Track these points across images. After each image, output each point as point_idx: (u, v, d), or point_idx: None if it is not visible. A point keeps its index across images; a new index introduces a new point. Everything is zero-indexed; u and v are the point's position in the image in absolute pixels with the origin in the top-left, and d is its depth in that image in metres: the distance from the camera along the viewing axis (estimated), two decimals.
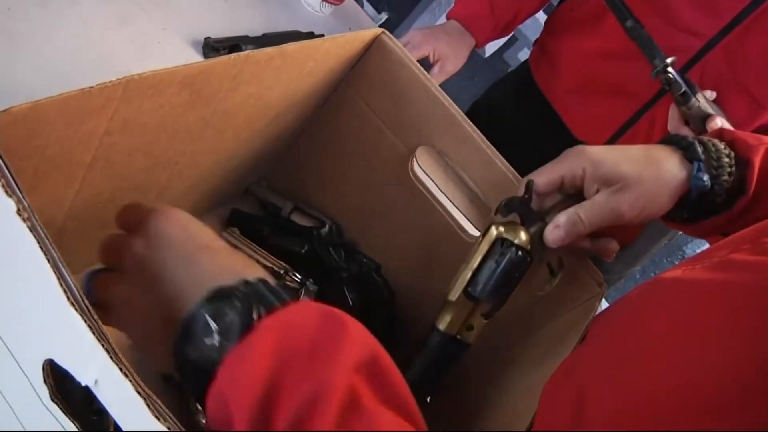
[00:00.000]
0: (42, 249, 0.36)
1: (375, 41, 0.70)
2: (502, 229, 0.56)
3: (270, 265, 0.76)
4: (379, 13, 2.54)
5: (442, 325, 0.58)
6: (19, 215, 0.36)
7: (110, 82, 0.45)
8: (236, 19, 1.05)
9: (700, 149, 0.58)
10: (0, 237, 0.38)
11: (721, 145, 0.58)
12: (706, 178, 0.57)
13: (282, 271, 0.76)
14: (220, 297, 0.38)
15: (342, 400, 0.34)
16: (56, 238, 0.58)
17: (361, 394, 0.35)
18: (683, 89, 0.83)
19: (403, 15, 2.46)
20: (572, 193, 0.59)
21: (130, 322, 0.43)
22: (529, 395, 0.56)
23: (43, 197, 0.51)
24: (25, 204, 0.36)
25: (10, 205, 0.36)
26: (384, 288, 0.81)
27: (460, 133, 0.69)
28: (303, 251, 0.80)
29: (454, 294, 0.58)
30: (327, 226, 0.83)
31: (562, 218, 0.56)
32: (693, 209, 0.60)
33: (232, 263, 0.44)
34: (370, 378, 0.37)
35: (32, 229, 0.36)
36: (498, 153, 0.69)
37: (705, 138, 0.60)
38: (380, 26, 0.73)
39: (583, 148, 0.59)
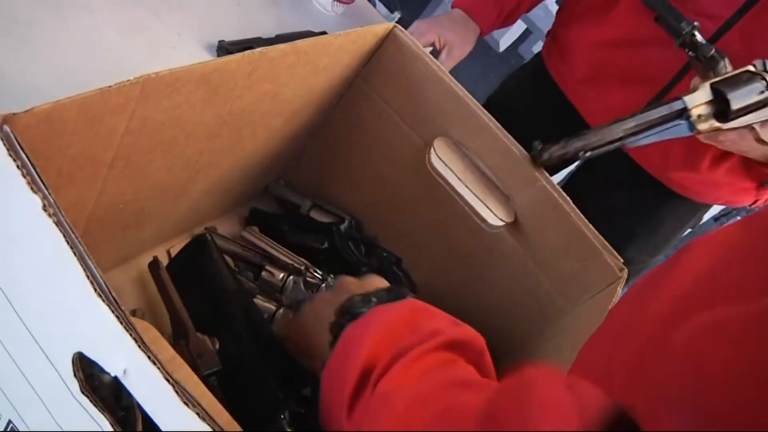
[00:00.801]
0: (68, 243, 0.36)
1: (388, 35, 0.70)
2: None
3: (291, 262, 0.77)
4: (392, 12, 2.54)
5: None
6: (45, 211, 0.37)
7: (128, 81, 0.46)
8: (249, 21, 1.06)
9: None
10: (27, 234, 0.38)
11: None
12: None
13: (303, 268, 0.76)
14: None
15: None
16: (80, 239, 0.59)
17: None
18: (712, 51, 0.78)
19: (416, 13, 2.47)
20: None
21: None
22: None
23: (67, 199, 0.52)
24: (51, 200, 0.37)
25: (36, 201, 0.37)
26: (405, 281, 0.81)
27: (476, 123, 0.69)
28: (323, 247, 0.80)
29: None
30: (346, 221, 0.84)
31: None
32: None
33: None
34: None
35: (58, 224, 0.37)
36: (515, 140, 0.69)
37: None
38: None
39: None
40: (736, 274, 0.38)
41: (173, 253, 0.74)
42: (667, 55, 0.91)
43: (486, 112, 0.69)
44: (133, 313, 0.68)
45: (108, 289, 0.36)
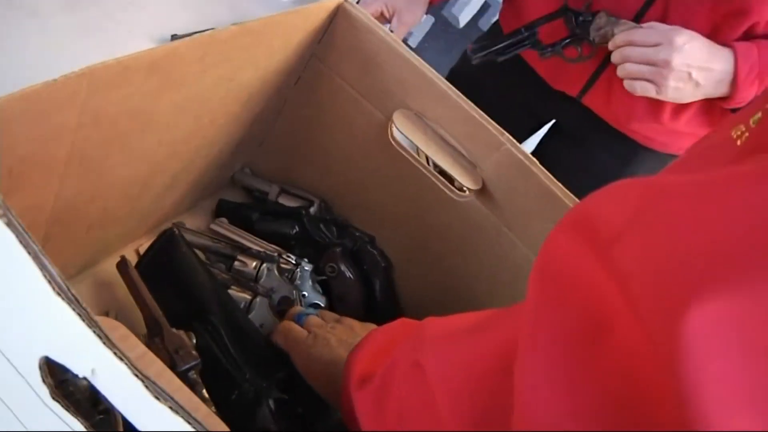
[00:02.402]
0: (21, 243, 0.35)
1: (338, 10, 0.69)
2: None
3: (262, 250, 0.76)
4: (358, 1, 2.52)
5: None
6: None
7: (73, 72, 0.44)
8: (202, 14, 1.04)
9: None
10: None
11: None
12: None
13: (276, 254, 0.75)
14: None
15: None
16: (43, 245, 0.58)
17: None
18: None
19: None
20: None
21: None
22: None
23: (23, 201, 0.50)
24: None
25: None
26: (380, 258, 0.81)
27: (436, 92, 0.68)
28: (294, 232, 0.79)
29: None
30: (315, 204, 0.83)
31: None
32: None
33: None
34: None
35: (9, 225, 0.35)
36: (476, 107, 0.68)
37: None
38: None
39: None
40: None
41: (142, 251, 0.72)
42: (618, 2, 0.92)
43: (444, 80, 0.68)
44: (105, 315, 0.66)
45: (68, 288, 0.35)
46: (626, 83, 0.90)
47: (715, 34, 0.88)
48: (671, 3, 0.90)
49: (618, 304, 0.27)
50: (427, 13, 2.17)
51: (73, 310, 0.35)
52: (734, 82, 0.87)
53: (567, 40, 0.98)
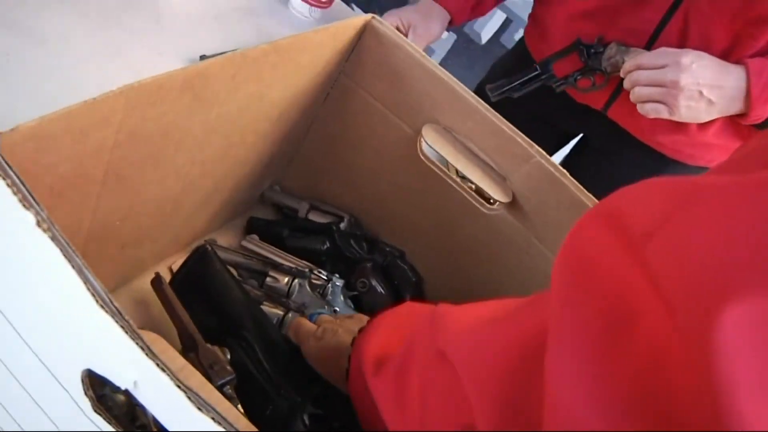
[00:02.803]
0: (66, 257, 0.36)
1: (366, 27, 0.70)
2: None
3: (294, 266, 0.76)
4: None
5: None
6: (39, 227, 0.36)
7: (111, 92, 0.45)
8: (228, 34, 1.06)
9: None
10: (23, 251, 0.38)
11: None
12: None
13: (307, 270, 0.76)
14: None
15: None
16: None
17: None
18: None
19: None
20: None
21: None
22: None
23: (63, 219, 0.51)
24: (44, 215, 0.36)
25: (29, 218, 0.36)
26: (411, 273, 0.81)
27: (464, 106, 0.68)
28: (324, 248, 0.79)
29: None
30: (345, 220, 0.83)
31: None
32: None
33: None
34: None
35: (54, 239, 0.36)
36: (504, 120, 0.68)
37: None
38: None
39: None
40: None
41: (175, 269, 0.73)
42: (639, 18, 0.93)
43: (473, 94, 0.68)
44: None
45: (111, 300, 0.35)
46: (639, 107, 0.92)
47: (736, 45, 0.88)
48: (690, 16, 0.90)
49: (648, 297, 0.27)
50: (449, 30, 2.18)
51: (117, 322, 0.35)
52: (748, 99, 0.86)
53: (579, 73, 1.00)
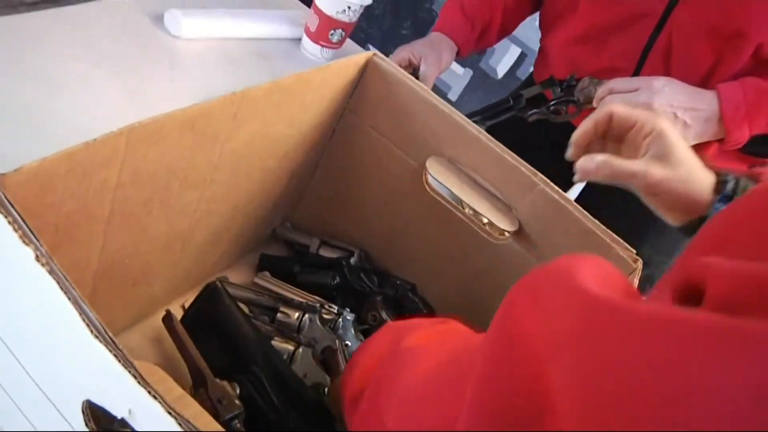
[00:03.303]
0: (62, 289, 0.37)
1: (368, 64, 0.71)
2: None
3: (304, 301, 0.77)
4: (388, 55, 2.59)
5: None
6: (38, 261, 0.37)
7: (112, 132, 0.47)
8: (241, 76, 1.09)
9: (731, 185, 0.60)
10: (23, 285, 0.39)
11: (751, 184, 0.61)
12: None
13: (318, 305, 0.76)
14: None
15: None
16: (90, 299, 0.60)
17: None
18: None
19: None
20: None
21: None
22: None
23: (70, 256, 0.53)
24: (43, 251, 0.38)
25: (29, 253, 0.37)
26: (422, 305, 0.81)
27: (467, 137, 0.69)
28: (335, 283, 0.80)
29: None
30: (355, 254, 0.84)
31: (599, 156, 0.60)
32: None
33: None
34: None
35: (51, 273, 0.37)
36: (507, 149, 0.69)
37: (744, 178, 0.62)
38: None
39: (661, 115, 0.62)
40: None
41: (188, 306, 0.74)
42: (628, 40, 0.95)
43: (474, 125, 0.69)
44: None
45: (105, 330, 0.36)
46: None
47: (720, 61, 0.89)
48: (674, 35, 0.92)
49: (557, 399, 0.27)
50: (465, 67, 2.20)
51: (110, 351, 0.36)
52: (722, 122, 0.87)
53: (553, 104, 1.03)
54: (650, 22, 0.93)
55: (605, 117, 0.63)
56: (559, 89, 1.01)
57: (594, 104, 0.95)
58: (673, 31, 0.92)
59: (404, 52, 1.08)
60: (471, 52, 1.20)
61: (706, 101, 0.87)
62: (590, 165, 0.60)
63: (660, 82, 0.87)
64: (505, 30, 1.19)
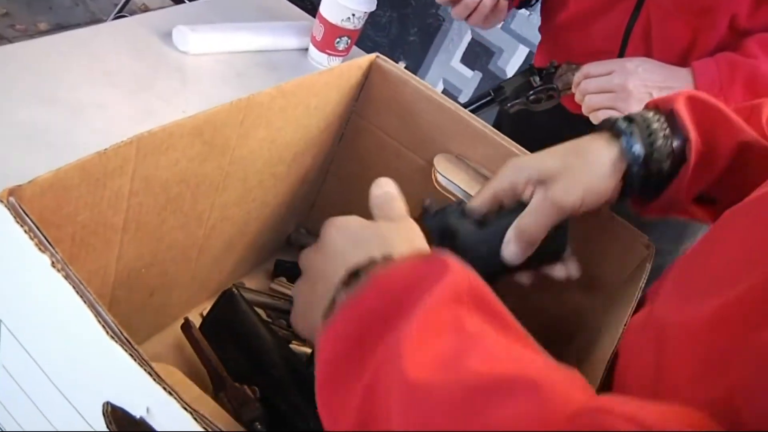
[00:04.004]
0: (78, 293, 0.38)
1: (372, 66, 0.72)
2: None
3: None
4: (397, 62, 2.61)
5: None
6: (54, 267, 0.38)
7: (122, 142, 0.48)
8: (251, 89, 1.09)
9: (624, 124, 0.57)
10: (40, 292, 0.40)
11: (650, 114, 0.58)
12: (637, 147, 0.56)
13: None
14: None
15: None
16: (109, 310, 0.61)
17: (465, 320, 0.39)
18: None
19: (420, 59, 2.53)
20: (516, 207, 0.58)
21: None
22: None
23: (88, 266, 0.54)
24: (58, 257, 0.39)
25: (45, 260, 0.39)
26: None
27: (473, 133, 0.70)
28: None
29: None
30: None
31: (509, 234, 0.56)
32: (648, 185, 0.58)
33: (366, 243, 0.48)
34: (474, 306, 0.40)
35: (67, 278, 0.38)
36: (514, 143, 0.69)
37: (633, 113, 0.59)
38: None
39: (510, 161, 0.60)
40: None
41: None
42: (609, 23, 0.98)
43: (481, 120, 0.70)
44: None
45: (120, 331, 0.37)
46: (592, 116, 0.93)
47: (697, 38, 0.90)
48: (651, 13, 0.93)
49: None
50: (474, 69, 2.20)
51: (126, 351, 0.37)
52: None
53: (532, 93, 1.03)
54: (629, 5, 0.95)
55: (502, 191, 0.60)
56: (539, 78, 1.02)
57: (573, 90, 0.96)
58: (650, 10, 0.93)
59: None
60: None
61: (681, 78, 0.87)
62: (512, 248, 0.57)
63: (633, 63, 0.88)
64: None
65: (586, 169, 0.57)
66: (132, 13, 2.63)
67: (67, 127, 0.86)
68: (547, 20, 1.13)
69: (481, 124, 0.69)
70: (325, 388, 0.42)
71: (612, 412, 0.30)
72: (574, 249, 0.71)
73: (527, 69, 1.05)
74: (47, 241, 0.39)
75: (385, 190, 0.55)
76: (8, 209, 0.40)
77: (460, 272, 0.41)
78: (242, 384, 0.65)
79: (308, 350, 0.73)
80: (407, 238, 0.49)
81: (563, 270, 0.62)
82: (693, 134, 0.56)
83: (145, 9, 2.91)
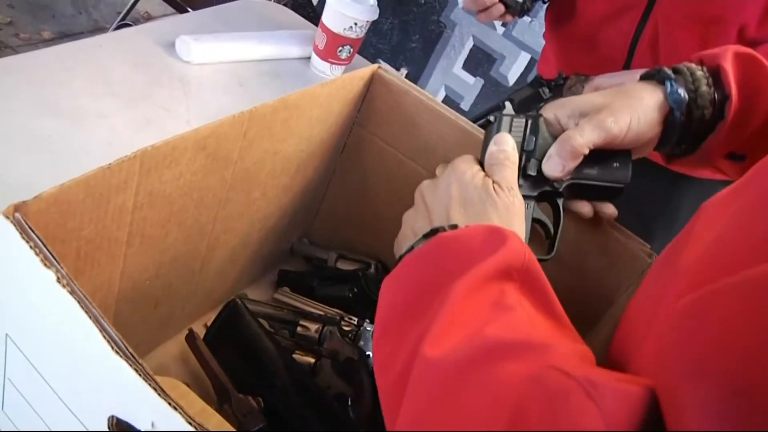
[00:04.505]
0: (83, 308, 0.38)
1: (373, 77, 0.73)
2: None
3: (323, 313, 0.78)
4: (398, 69, 2.61)
5: None
6: (59, 283, 0.39)
7: (126, 156, 0.48)
8: (253, 98, 1.11)
9: (669, 71, 0.59)
10: (46, 307, 0.41)
11: (700, 72, 0.59)
12: (681, 91, 0.57)
13: (337, 317, 0.77)
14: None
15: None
16: (114, 322, 0.62)
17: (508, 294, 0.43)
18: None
19: (422, 66, 2.53)
20: None
21: None
22: None
23: (93, 280, 0.54)
24: (63, 272, 0.39)
25: (50, 275, 0.39)
26: None
27: (473, 141, 0.70)
28: (352, 294, 0.81)
29: None
30: (372, 265, 0.85)
31: (552, 148, 0.57)
32: (687, 134, 0.59)
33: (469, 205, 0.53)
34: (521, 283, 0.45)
35: (72, 293, 0.39)
36: None
37: (681, 66, 0.60)
38: None
39: (553, 102, 0.61)
40: (737, 243, 0.39)
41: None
42: (617, 32, 0.99)
43: (480, 129, 0.70)
44: None
45: (125, 346, 0.38)
46: None
47: (706, 48, 0.90)
48: (659, 23, 0.94)
49: None
50: (476, 76, 2.21)
51: (131, 366, 0.37)
52: None
53: (541, 105, 1.03)
54: (636, 14, 0.95)
55: None
56: (548, 89, 1.02)
57: None
58: (657, 20, 0.94)
59: None
60: None
61: None
62: (554, 161, 0.58)
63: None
64: None
65: (632, 106, 0.57)
66: (135, 21, 2.64)
67: (71, 137, 0.86)
68: (552, 29, 1.14)
69: (482, 134, 0.70)
70: (379, 335, 0.47)
71: (562, 369, 0.35)
72: (577, 260, 0.71)
73: (535, 80, 1.05)
74: (53, 256, 0.40)
75: (502, 148, 0.57)
76: (14, 225, 0.40)
77: (515, 249, 0.45)
78: (246, 394, 0.65)
79: (311, 360, 0.73)
80: (506, 221, 0.52)
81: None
82: (735, 92, 0.57)
83: (148, 17, 2.93)
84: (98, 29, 2.77)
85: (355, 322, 0.78)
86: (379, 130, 0.77)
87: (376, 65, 0.73)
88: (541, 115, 0.60)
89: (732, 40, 0.90)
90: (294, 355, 0.73)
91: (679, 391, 0.31)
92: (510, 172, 0.55)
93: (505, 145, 0.57)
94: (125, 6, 2.50)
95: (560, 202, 0.61)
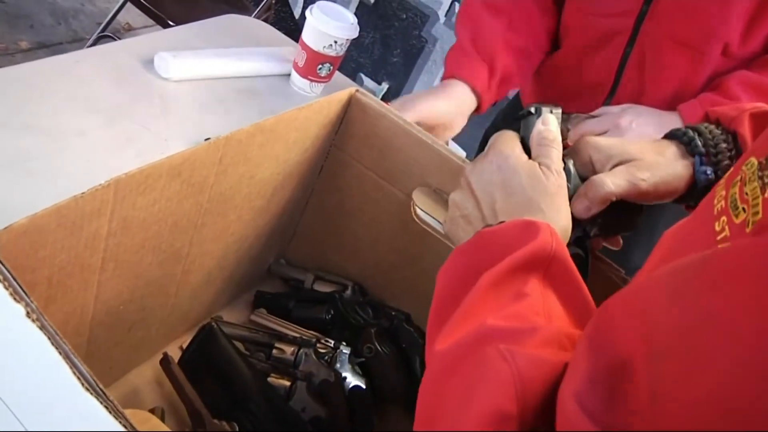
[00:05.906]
0: (53, 344, 0.38)
1: (351, 100, 0.73)
2: None
3: (299, 336, 0.78)
4: (380, 84, 2.62)
5: None
6: (29, 317, 0.39)
7: (100, 185, 0.48)
8: (233, 116, 1.11)
9: (700, 142, 0.60)
10: (15, 341, 0.40)
11: (718, 131, 0.61)
12: (709, 171, 0.59)
13: (313, 340, 0.77)
14: None
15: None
16: (88, 347, 0.61)
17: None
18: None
19: (402, 83, 2.54)
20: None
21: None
22: None
23: (65, 307, 0.54)
24: (33, 307, 0.39)
25: (19, 309, 0.39)
26: (418, 335, 0.81)
27: (450, 166, 0.71)
28: (329, 317, 0.81)
29: None
30: (349, 288, 0.85)
31: (581, 188, 0.57)
32: (702, 194, 0.60)
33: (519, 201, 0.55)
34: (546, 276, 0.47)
35: (42, 329, 0.38)
36: None
37: (701, 126, 0.62)
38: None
39: (585, 139, 0.61)
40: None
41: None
42: (604, 56, 1.00)
43: (457, 154, 0.70)
44: (152, 411, 0.68)
45: (95, 382, 0.37)
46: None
47: (693, 67, 0.93)
48: (646, 45, 0.95)
49: None
50: None
51: (101, 403, 0.37)
52: None
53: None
54: (622, 39, 0.97)
55: None
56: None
57: (569, 142, 0.97)
58: (644, 42, 0.95)
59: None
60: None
61: (671, 124, 0.89)
62: (584, 202, 0.58)
63: (626, 119, 0.90)
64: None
65: (663, 168, 0.59)
66: (115, 32, 2.63)
67: (48, 154, 0.85)
68: (546, 59, 1.15)
69: (459, 159, 0.70)
70: (431, 319, 0.51)
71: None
72: None
73: (521, 115, 1.02)
74: (22, 290, 0.39)
75: (550, 128, 0.59)
76: None
77: (545, 241, 0.47)
78: (221, 419, 0.65)
79: (287, 383, 0.73)
80: (555, 206, 0.54)
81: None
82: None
83: (129, 28, 2.91)
84: (77, 40, 2.75)
85: (332, 345, 0.78)
86: (356, 152, 0.77)
87: (353, 88, 0.73)
88: (571, 159, 0.60)
89: (716, 58, 0.91)
90: (269, 378, 0.73)
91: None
92: (557, 154, 0.57)
93: (552, 125, 0.59)
94: (105, 17, 2.48)
95: (588, 245, 0.61)
